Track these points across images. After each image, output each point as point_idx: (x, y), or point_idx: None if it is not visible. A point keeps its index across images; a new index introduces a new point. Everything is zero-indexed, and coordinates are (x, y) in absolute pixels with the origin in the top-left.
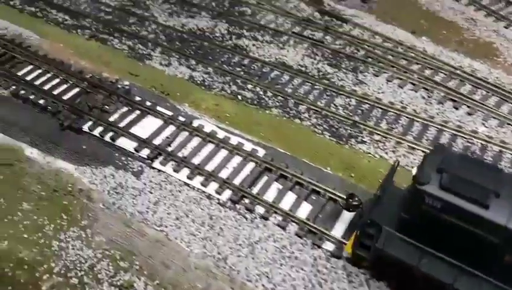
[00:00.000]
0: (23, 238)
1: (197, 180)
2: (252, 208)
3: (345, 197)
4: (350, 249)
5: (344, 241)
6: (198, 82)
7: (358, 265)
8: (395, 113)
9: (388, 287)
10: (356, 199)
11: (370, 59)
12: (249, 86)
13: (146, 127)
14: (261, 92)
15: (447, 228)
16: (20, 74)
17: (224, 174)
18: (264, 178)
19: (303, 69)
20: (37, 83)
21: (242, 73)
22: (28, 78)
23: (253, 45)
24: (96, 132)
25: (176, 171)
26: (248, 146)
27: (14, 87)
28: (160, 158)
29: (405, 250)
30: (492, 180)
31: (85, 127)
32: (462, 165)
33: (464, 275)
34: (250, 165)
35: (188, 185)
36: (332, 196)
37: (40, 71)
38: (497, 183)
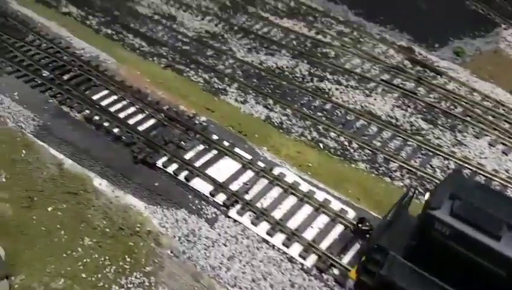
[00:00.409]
0: (81, 278)
1: (278, 238)
2: (342, 282)
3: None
4: (355, 275)
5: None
6: (276, 124)
7: None
8: (501, 183)
9: None
10: (367, 224)
11: (469, 118)
12: (332, 134)
13: (223, 169)
14: (346, 142)
15: (455, 257)
16: (95, 98)
17: (309, 235)
18: (356, 246)
19: (393, 121)
20: (112, 109)
21: (324, 119)
22: (103, 103)
23: (337, 89)
24: (171, 169)
25: (254, 224)
26: (336, 204)
27: (87, 111)
28: (237, 207)
29: (410, 278)
30: (507, 212)
31: (159, 163)
32: (477, 193)
33: None
34: (339, 228)
35: (267, 242)
36: None
37: (115, 97)
38: (509, 211)
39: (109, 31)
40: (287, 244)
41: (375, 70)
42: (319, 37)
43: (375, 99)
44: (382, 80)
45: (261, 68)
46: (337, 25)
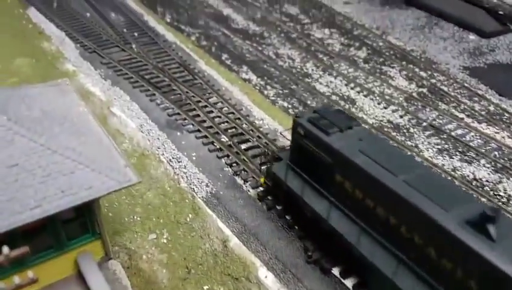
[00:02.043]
0: None
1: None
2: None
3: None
4: (263, 180)
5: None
6: None
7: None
8: None
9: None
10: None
11: None
12: None
13: None
14: None
15: (307, 152)
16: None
17: None
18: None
19: None
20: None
21: None
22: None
23: None
24: (349, 282)
25: None
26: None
27: (261, 189)
28: None
29: (289, 174)
30: (344, 122)
31: (335, 270)
32: (331, 112)
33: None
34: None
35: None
36: None
37: None
38: (345, 124)
39: (285, 104)
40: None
41: None
42: None
43: None
44: None
45: (454, 175)
46: None
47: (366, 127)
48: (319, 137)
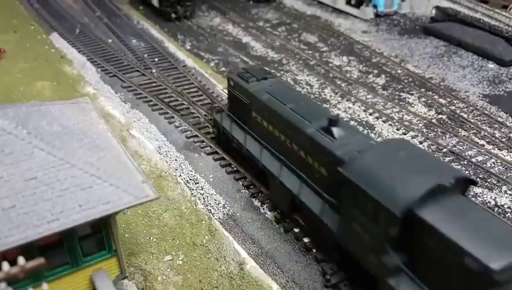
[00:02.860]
0: None
1: None
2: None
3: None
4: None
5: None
6: None
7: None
8: None
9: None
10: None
11: None
12: None
13: None
14: None
15: (237, 101)
16: None
17: None
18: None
19: None
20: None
21: None
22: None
23: None
24: None
25: None
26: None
27: (278, 211)
28: None
29: (227, 121)
30: (261, 75)
31: None
32: (255, 69)
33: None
34: None
35: None
36: None
37: None
38: (262, 76)
39: None
40: None
41: None
42: None
43: None
44: None
45: (475, 202)
46: None
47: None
48: (241, 85)
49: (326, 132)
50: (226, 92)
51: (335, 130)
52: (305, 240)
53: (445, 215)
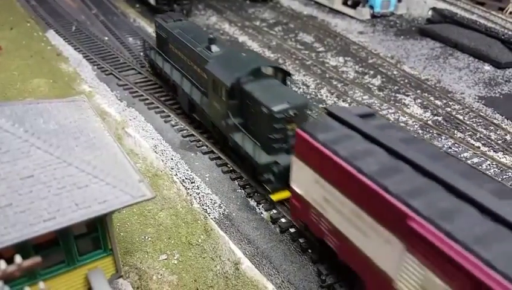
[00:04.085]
0: None
1: None
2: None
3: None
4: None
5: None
6: None
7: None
8: None
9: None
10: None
11: None
12: None
13: None
14: None
15: (159, 37)
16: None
17: None
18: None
19: None
20: None
21: None
22: None
23: None
24: None
25: None
26: None
27: (274, 211)
28: None
29: (153, 54)
30: (178, 18)
31: None
32: (176, 14)
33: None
34: None
35: None
36: None
37: None
38: (178, 18)
39: None
40: None
41: None
42: None
43: None
44: None
45: None
46: None
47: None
48: (162, 24)
49: (207, 49)
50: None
51: (213, 47)
52: (301, 240)
53: (257, 87)
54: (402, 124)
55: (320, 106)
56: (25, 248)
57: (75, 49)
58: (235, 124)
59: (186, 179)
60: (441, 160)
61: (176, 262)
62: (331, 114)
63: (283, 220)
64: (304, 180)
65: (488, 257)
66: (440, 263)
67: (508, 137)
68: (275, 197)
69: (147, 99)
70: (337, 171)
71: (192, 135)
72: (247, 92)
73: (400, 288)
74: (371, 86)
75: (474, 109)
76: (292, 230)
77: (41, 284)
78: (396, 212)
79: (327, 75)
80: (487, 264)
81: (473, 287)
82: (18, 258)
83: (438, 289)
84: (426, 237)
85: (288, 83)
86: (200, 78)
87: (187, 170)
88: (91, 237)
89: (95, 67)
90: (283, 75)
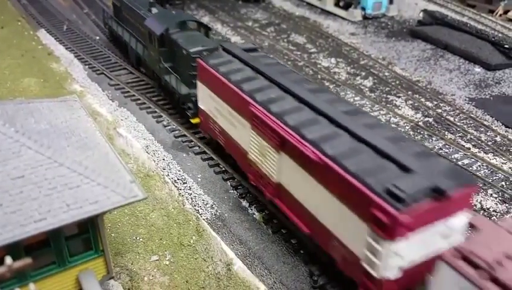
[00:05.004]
0: None
1: None
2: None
3: None
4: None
5: None
6: None
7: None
8: None
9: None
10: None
11: None
12: None
13: None
14: None
15: (115, 6)
16: None
17: None
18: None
19: None
20: None
21: None
22: None
23: None
24: None
25: None
26: None
27: (267, 212)
28: None
29: (110, 20)
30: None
31: None
32: None
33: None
34: None
35: None
36: None
37: None
38: None
39: None
40: None
41: None
42: None
43: None
44: None
45: None
46: None
47: None
48: None
49: (148, 10)
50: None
51: (153, 9)
52: (293, 241)
53: (182, 36)
54: (393, 125)
55: None
56: (15, 249)
57: (66, 48)
58: (166, 67)
59: (178, 179)
60: (287, 73)
61: (167, 263)
62: (224, 49)
63: (275, 220)
64: (204, 98)
65: (290, 122)
66: (265, 131)
67: (498, 138)
68: (194, 120)
69: (139, 99)
70: (219, 84)
71: (185, 136)
72: (173, 40)
73: (250, 157)
74: (362, 87)
75: (464, 110)
76: (284, 231)
77: (31, 286)
78: (246, 103)
79: (319, 76)
80: (287, 126)
81: (279, 141)
82: (8, 260)
83: (266, 148)
84: (258, 115)
85: (211, 35)
86: (142, 34)
87: (179, 171)
88: (82, 238)
89: (87, 66)
90: (206, 30)
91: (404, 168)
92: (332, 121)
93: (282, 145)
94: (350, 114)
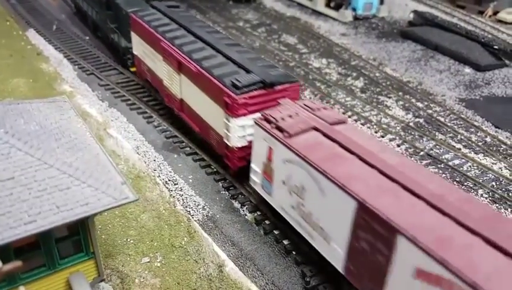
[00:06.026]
0: None
1: None
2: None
3: None
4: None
5: None
6: None
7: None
8: None
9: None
10: None
11: None
12: None
13: None
14: None
15: None
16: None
17: None
18: None
19: None
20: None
21: None
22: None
23: None
24: None
25: None
26: None
27: (258, 213)
28: None
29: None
30: None
31: None
32: None
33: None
34: None
35: None
36: None
37: None
38: None
39: None
40: None
41: None
42: None
43: None
44: None
45: None
46: None
47: None
48: None
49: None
50: None
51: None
52: (285, 242)
53: (124, 1)
54: (384, 126)
55: None
56: (5, 251)
57: (55, 48)
58: (112, 27)
59: (169, 180)
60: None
61: (158, 265)
62: (152, 6)
63: (267, 222)
64: (136, 45)
65: (185, 50)
66: (170, 59)
67: (488, 139)
68: (133, 68)
69: (129, 99)
70: (144, 31)
71: (176, 136)
72: (117, 4)
73: (164, 84)
74: (353, 87)
75: (455, 111)
76: (276, 232)
77: (21, 289)
78: (159, 41)
79: (310, 77)
80: (183, 52)
81: (178, 64)
82: None
83: (172, 73)
84: (165, 48)
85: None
86: (96, 2)
87: (170, 172)
88: (72, 240)
89: (76, 67)
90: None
91: (248, 71)
92: (214, 48)
93: (180, 67)
94: (229, 45)
